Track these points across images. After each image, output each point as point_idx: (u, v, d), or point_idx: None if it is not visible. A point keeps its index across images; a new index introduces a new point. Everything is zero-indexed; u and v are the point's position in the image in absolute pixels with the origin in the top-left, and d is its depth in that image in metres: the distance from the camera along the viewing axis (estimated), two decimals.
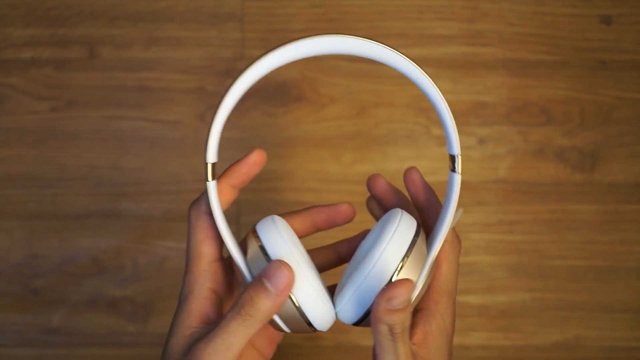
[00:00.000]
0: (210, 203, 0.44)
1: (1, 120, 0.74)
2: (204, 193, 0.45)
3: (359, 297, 0.43)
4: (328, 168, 0.74)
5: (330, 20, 0.74)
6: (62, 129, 0.74)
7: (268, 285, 0.42)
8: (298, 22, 0.74)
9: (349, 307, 0.44)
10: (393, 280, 0.43)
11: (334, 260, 0.52)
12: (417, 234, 0.44)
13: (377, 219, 0.50)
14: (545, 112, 0.74)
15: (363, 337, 0.74)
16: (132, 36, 0.74)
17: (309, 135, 0.74)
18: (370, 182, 0.49)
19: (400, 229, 0.44)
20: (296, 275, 0.43)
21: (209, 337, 0.42)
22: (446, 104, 0.43)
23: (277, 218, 0.46)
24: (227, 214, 0.46)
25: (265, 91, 0.74)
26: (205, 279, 0.46)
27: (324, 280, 0.47)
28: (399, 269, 0.43)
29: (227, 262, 0.48)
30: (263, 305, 0.42)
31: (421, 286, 0.44)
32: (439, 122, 0.74)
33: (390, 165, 0.74)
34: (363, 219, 0.54)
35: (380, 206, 0.50)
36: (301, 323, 0.44)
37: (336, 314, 0.45)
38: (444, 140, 0.74)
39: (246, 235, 0.47)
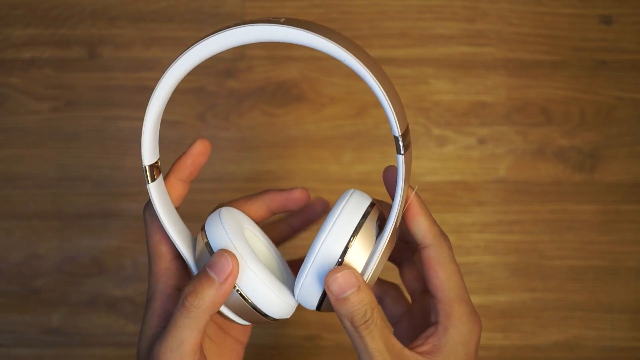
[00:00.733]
0: (153, 204, 0.44)
1: (1, 120, 0.74)
2: None
3: (312, 281, 0.43)
4: (328, 168, 0.74)
5: (331, 20, 0.73)
6: (62, 129, 0.74)
7: (211, 273, 0.42)
8: None
9: (304, 292, 0.43)
10: (342, 261, 0.42)
11: (288, 232, 0.52)
12: (366, 214, 0.43)
13: None
14: (545, 112, 0.74)
15: None
16: (132, 36, 0.74)
17: (309, 135, 0.74)
18: (385, 173, 0.48)
19: (347, 209, 0.43)
20: (241, 266, 0.42)
21: (162, 336, 0.43)
22: (378, 83, 0.39)
23: (225, 210, 0.46)
24: None
25: (265, 91, 0.74)
26: (167, 277, 0.46)
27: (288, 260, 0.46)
28: (345, 250, 0.42)
29: None
30: (207, 295, 0.42)
31: (376, 263, 0.42)
32: (439, 122, 0.74)
33: None
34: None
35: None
36: (253, 313, 0.44)
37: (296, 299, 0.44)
38: (445, 140, 0.74)
39: None
